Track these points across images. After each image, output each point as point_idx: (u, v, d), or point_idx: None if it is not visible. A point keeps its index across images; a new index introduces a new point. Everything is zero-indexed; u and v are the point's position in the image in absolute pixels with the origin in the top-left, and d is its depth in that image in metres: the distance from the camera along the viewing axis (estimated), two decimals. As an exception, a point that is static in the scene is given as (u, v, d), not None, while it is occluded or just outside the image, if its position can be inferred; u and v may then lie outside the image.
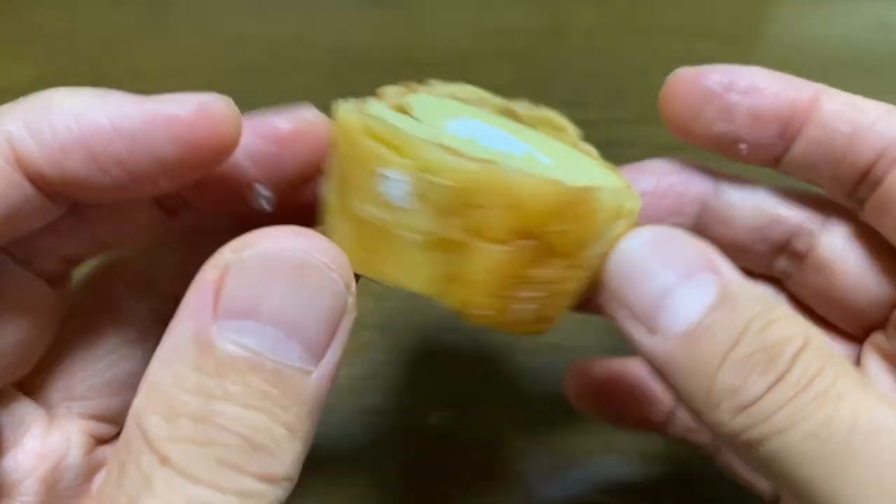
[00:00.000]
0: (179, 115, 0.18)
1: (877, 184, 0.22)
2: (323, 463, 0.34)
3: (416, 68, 0.55)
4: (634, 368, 0.28)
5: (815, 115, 0.23)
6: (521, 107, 0.25)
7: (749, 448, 0.18)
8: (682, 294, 0.18)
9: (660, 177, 0.25)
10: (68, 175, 0.18)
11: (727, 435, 0.18)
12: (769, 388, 0.17)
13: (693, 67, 0.24)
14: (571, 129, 0.25)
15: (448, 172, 0.18)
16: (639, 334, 0.19)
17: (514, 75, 0.52)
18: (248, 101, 0.54)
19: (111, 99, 0.18)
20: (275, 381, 0.16)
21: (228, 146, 0.19)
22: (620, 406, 0.29)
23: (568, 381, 0.29)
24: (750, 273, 0.25)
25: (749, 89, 0.23)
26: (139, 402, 0.16)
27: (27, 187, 0.18)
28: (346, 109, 0.21)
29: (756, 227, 0.25)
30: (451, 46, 0.56)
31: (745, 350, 0.18)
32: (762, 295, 0.19)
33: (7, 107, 0.18)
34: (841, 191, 0.23)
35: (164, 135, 0.18)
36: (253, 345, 0.16)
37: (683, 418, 0.28)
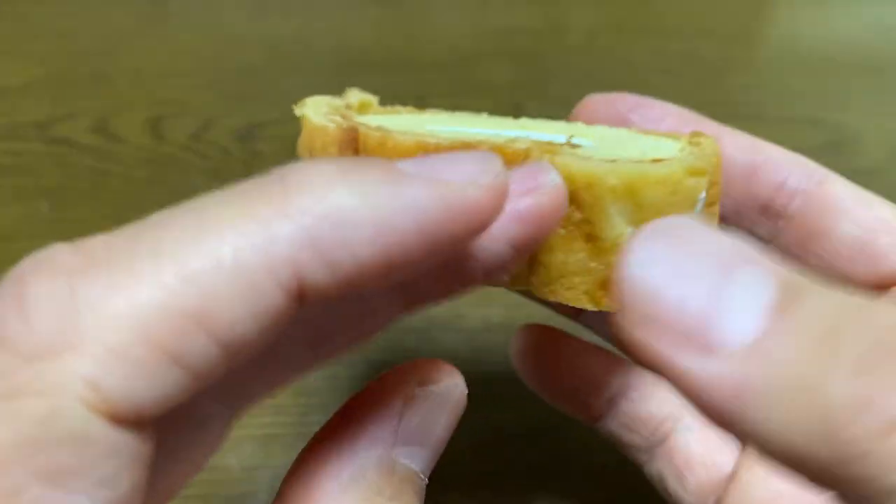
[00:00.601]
0: (479, 200, 0.15)
1: (784, 220, 0.24)
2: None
3: (416, 68, 0.55)
4: (584, 347, 0.27)
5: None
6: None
7: None
8: (733, 295, 0.13)
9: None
10: (349, 291, 0.14)
11: (885, 489, 0.11)
12: None
13: (604, 94, 0.25)
14: None
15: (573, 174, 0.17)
16: (687, 361, 0.13)
17: (513, 75, 0.52)
18: (249, 101, 0.54)
19: (399, 187, 0.14)
20: (418, 493, 0.18)
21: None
22: (560, 381, 0.28)
23: (515, 342, 0.27)
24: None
25: (650, 110, 0.24)
26: None
27: (289, 312, 0.14)
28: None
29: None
30: (452, 46, 0.56)
31: (858, 345, 0.12)
32: (825, 286, 0.13)
33: (273, 209, 0.14)
34: (749, 212, 0.24)
35: (463, 227, 0.15)
36: (417, 467, 0.18)
37: (624, 413, 0.27)
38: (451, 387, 0.19)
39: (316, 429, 0.18)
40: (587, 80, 0.51)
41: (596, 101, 0.24)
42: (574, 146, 0.20)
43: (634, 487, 0.32)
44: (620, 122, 0.24)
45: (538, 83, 0.52)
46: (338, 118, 0.21)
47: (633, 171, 0.17)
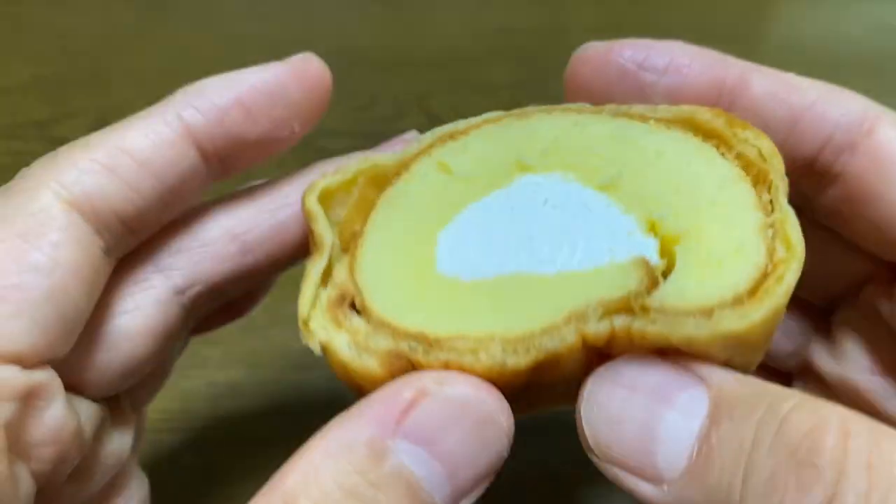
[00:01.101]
0: (309, 69, 0.22)
1: (829, 178, 0.20)
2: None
3: (417, 68, 0.55)
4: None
5: (744, 97, 0.20)
6: (649, 110, 0.21)
7: None
8: (668, 424, 0.15)
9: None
10: (229, 132, 0.21)
11: None
12: None
13: (604, 42, 0.21)
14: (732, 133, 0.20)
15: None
16: (643, 489, 0.15)
17: (514, 75, 0.52)
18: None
19: (246, 72, 0.23)
20: (410, 497, 0.16)
21: (329, 89, 0.23)
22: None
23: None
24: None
25: (667, 68, 0.20)
26: (295, 481, 0.15)
27: (193, 156, 0.21)
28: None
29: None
30: (452, 46, 0.56)
31: (765, 467, 0.13)
32: (764, 386, 0.15)
33: (168, 98, 0.22)
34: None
35: (296, 86, 0.22)
36: (419, 472, 0.16)
37: None
38: (472, 397, 0.17)
39: (316, 429, 0.18)
40: (587, 80, 0.51)
41: (593, 54, 0.22)
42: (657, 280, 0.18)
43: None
44: (625, 79, 0.21)
45: (538, 83, 0.52)
46: (377, 344, 0.19)
47: (734, 329, 0.16)
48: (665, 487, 0.15)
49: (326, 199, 0.21)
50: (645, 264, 0.18)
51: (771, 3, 0.61)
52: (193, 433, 0.36)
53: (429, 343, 0.18)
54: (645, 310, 0.17)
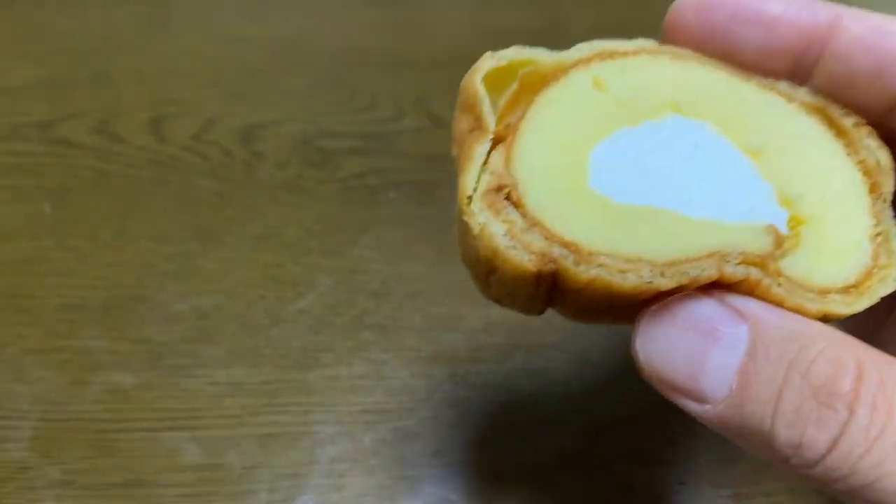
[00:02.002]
0: None
1: None
2: (322, 462, 0.34)
3: (416, 68, 0.55)
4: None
5: (832, 45, 0.20)
6: (791, 90, 0.22)
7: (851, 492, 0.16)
8: (714, 360, 0.18)
9: None
10: None
11: (816, 484, 0.17)
12: (835, 442, 0.16)
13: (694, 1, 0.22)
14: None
15: None
16: (690, 407, 0.18)
17: (514, 75, 0.52)
18: (250, 102, 0.54)
19: None
20: None
21: None
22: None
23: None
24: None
25: (756, 20, 0.21)
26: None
27: None
28: None
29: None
30: (451, 47, 0.56)
31: (793, 402, 0.17)
32: (798, 329, 0.18)
33: None
34: (871, 114, 0.21)
35: None
36: None
37: None
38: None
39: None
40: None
41: (684, 11, 0.22)
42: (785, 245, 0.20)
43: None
44: (717, 35, 0.21)
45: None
46: (531, 242, 0.19)
47: (838, 312, 0.20)
48: (708, 407, 0.18)
49: (487, 84, 0.21)
50: (776, 233, 0.20)
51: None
52: (196, 432, 0.36)
53: (580, 255, 0.19)
54: (777, 272, 0.19)
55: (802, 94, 0.22)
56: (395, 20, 0.58)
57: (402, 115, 0.49)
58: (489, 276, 0.20)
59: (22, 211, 0.35)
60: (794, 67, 0.21)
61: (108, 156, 0.46)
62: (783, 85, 0.22)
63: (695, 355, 0.18)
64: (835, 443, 0.16)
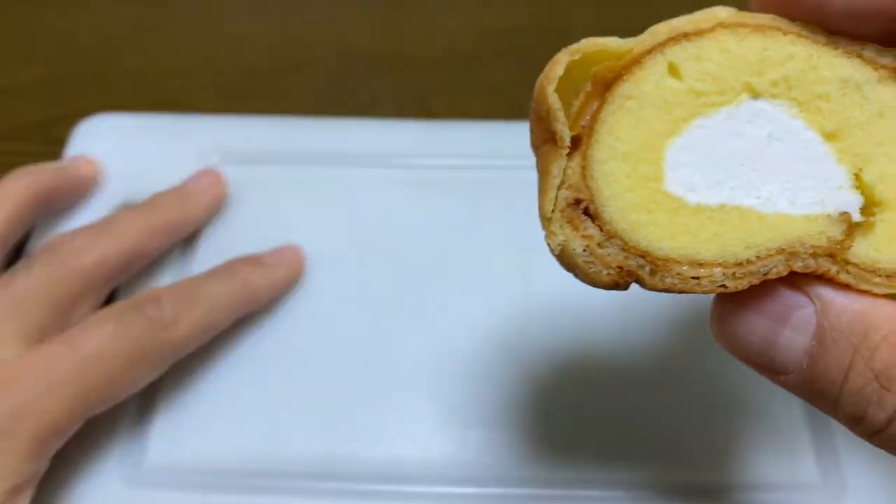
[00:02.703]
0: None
1: None
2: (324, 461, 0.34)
3: (417, 68, 0.55)
4: None
5: None
6: (877, 53, 0.21)
7: None
8: (785, 340, 0.20)
9: None
10: None
11: (878, 446, 0.20)
12: (891, 419, 0.18)
13: None
14: None
15: None
16: (769, 376, 0.21)
17: (514, 75, 0.52)
18: (249, 101, 0.54)
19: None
20: None
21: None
22: None
23: None
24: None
25: None
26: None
27: None
28: None
29: None
30: (452, 46, 0.56)
31: (857, 383, 0.19)
32: (864, 312, 0.19)
33: None
34: None
35: None
36: None
37: None
38: None
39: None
40: (587, 80, 0.51)
41: None
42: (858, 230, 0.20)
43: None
44: (809, 1, 0.20)
45: (538, 83, 0.52)
46: (609, 256, 0.20)
47: None
48: (783, 378, 0.20)
49: (560, 89, 0.20)
50: (849, 220, 0.20)
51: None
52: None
53: (655, 264, 0.20)
54: (844, 261, 0.20)
55: (891, 58, 0.21)
56: (395, 19, 0.58)
57: (402, 115, 0.49)
58: (579, 278, 0.21)
59: (22, 211, 0.35)
60: (888, 29, 0.20)
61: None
62: (869, 50, 0.21)
63: (767, 336, 0.20)
64: (891, 420, 0.18)
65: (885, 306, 0.19)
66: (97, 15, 0.59)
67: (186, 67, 0.54)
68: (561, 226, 0.20)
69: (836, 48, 0.21)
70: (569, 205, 0.20)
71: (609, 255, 0.20)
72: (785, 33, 0.21)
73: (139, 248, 0.34)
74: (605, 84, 0.21)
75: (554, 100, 0.20)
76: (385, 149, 0.43)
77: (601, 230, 0.20)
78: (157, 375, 0.31)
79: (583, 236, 0.20)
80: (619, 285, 0.20)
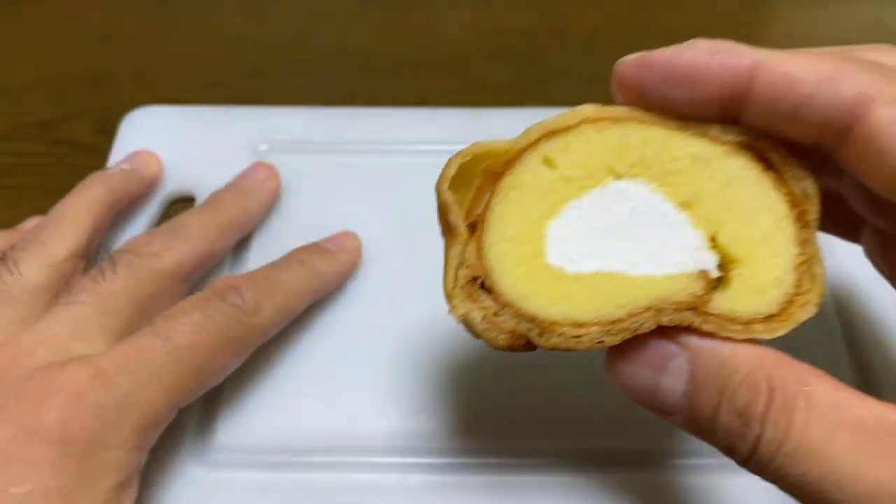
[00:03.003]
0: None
1: (834, 155, 0.22)
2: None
3: (416, 70, 0.55)
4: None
5: (751, 96, 0.22)
6: (723, 132, 0.24)
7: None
8: (665, 385, 0.23)
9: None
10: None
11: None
12: (753, 452, 0.21)
13: (631, 60, 0.24)
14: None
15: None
16: (661, 416, 0.24)
17: (512, 76, 0.53)
18: (249, 102, 0.54)
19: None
20: None
21: None
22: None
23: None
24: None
25: (681, 81, 0.23)
26: None
27: None
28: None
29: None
30: (451, 48, 0.56)
31: (725, 420, 0.22)
32: (728, 356, 0.22)
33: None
34: (801, 144, 0.23)
35: None
36: None
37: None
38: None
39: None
40: (586, 82, 0.51)
41: (623, 71, 0.24)
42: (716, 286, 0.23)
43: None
44: (653, 94, 0.24)
45: (537, 84, 0.53)
46: (503, 322, 0.23)
47: (763, 337, 0.23)
48: (669, 418, 0.23)
49: (453, 186, 0.24)
50: (707, 277, 0.23)
51: (768, 4, 0.61)
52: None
53: (543, 327, 0.23)
54: (705, 313, 0.22)
55: (733, 134, 0.24)
56: (396, 20, 0.59)
57: (402, 116, 0.49)
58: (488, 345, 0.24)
59: (24, 211, 0.35)
60: (724, 113, 0.23)
61: (110, 156, 0.47)
62: (715, 129, 0.24)
63: (650, 383, 0.23)
64: (753, 452, 0.21)
65: (746, 350, 0.22)
66: (98, 15, 0.59)
67: (187, 68, 0.54)
68: (462, 300, 0.23)
69: (686, 130, 0.24)
70: (468, 282, 0.23)
71: (503, 321, 0.23)
72: (640, 122, 0.24)
73: (210, 248, 0.35)
74: (494, 178, 0.24)
75: (447, 196, 0.23)
76: (430, 135, 0.44)
77: (496, 301, 0.23)
78: (242, 361, 0.32)
79: (480, 307, 0.23)
80: (515, 347, 0.23)
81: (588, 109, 0.24)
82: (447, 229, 0.24)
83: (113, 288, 0.30)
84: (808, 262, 0.23)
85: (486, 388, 0.35)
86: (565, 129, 0.24)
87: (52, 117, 0.51)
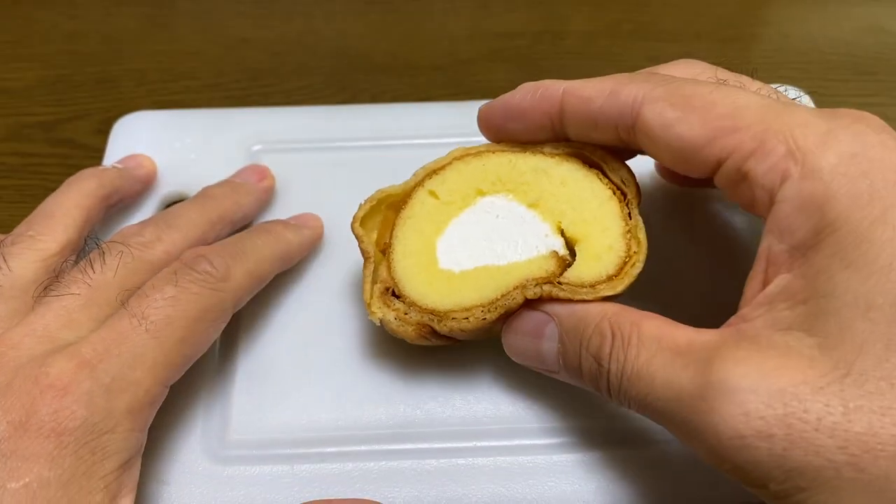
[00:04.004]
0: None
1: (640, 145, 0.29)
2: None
3: (416, 71, 0.55)
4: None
5: (566, 115, 0.30)
6: (554, 147, 0.32)
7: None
8: (545, 348, 0.30)
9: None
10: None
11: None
12: (607, 384, 0.27)
13: (484, 106, 0.33)
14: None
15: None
16: (549, 375, 0.31)
17: (511, 78, 0.53)
18: (250, 103, 0.54)
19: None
20: None
21: None
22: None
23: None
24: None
25: (517, 116, 0.32)
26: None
27: None
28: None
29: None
30: (451, 50, 0.56)
31: (586, 366, 0.28)
32: (582, 314, 0.28)
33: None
34: (616, 146, 0.31)
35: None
36: None
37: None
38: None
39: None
40: (584, 83, 0.52)
41: (482, 114, 0.33)
42: (565, 266, 0.30)
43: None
44: (502, 129, 0.33)
45: (536, 85, 0.53)
46: (411, 318, 0.31)
47: (607, 294, 0.29)
48: (554, 375, 0.31)
49: (364, 223, 0.33)
50: (557, 255, 0.31)
51: (765, 5, 0.61)
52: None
53: (440, 316, 0.31)
54: (560, 283, 0.30)
55: (562, 147, 0.32)
56: (395, 22, 0.59)
57: (401, 117, 0.50)
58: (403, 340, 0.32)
59: (25, 211, 0.35)
60: (554, 133, 0.32)
61: (103, 162, 0.47)
62: (548, 147, 0.33)
63: (532, 348, 0.30)
64: (608, 385, 0.27)
65: (595, 307, 0.28)
66: (100, 16, 0.59)
67: (188, 69, 0.55)
68: (378, 307, 0.31)
69: (526, 151, 0.33)
70: (382, 292, 0.32)
71: (411, 317, 0.31)
72: (494, 151, 0.33)
73: (201, 239, 0.35)
74: (395, 211, 0.33)
75: (359, 231, 0.32)
76: (424, 130, 0.44)
77: (404, 303, 0.31)
78: (222, 328, 0.32)
79: (393, 310, 0.31)
80: (424, 337, 0.31)
81: (456, 151, 0.33)
82: (363, 254, 0.32)
83: (104, 279, 0.30)
84: (632, 230, 0.30)
85: (494, 373, 0.35)
86: (442, 168, 0.33)
87: (54, 118, 0.51)
